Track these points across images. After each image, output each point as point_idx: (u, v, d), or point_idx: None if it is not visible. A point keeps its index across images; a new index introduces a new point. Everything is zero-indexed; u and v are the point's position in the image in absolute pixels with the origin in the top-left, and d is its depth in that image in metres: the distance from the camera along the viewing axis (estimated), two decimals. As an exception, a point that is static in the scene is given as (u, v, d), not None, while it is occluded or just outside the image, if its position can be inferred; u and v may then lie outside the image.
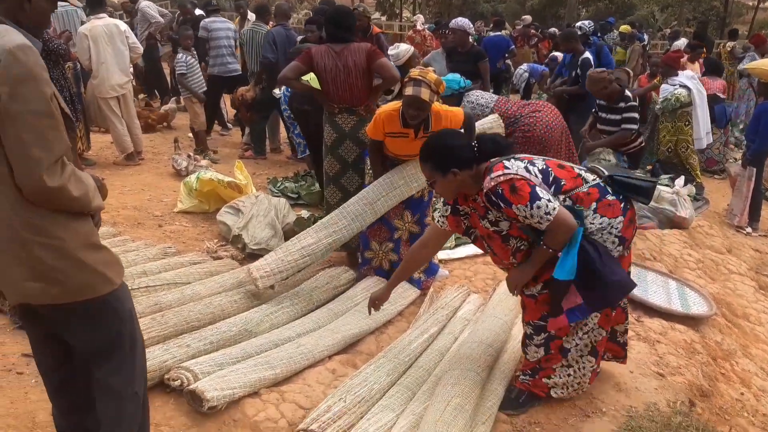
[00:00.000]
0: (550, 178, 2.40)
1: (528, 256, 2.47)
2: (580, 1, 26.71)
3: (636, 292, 3.72)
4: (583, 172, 2.50)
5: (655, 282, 4.08)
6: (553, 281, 2.39)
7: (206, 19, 7.49)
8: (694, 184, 6.17)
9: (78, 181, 1.60)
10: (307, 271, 3.66)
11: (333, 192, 4.03)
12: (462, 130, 3.68)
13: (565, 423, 2.62)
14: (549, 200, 2.29)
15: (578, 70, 6.26)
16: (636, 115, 5.29)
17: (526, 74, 9.24)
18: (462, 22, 6.57)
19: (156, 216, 4.77)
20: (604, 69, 5.72)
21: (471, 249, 4.21)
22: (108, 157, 6.48)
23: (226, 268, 3.72)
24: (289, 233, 4.15)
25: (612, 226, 2.41)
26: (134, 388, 1.87)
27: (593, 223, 2.40)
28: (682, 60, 7.46)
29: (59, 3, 1.83)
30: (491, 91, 6.67)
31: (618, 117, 5.32)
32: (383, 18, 25.03)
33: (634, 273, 3.47)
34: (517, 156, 2.45)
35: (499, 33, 9.34)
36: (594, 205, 2.40)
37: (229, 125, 8.24)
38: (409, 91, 3.21)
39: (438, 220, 2.69)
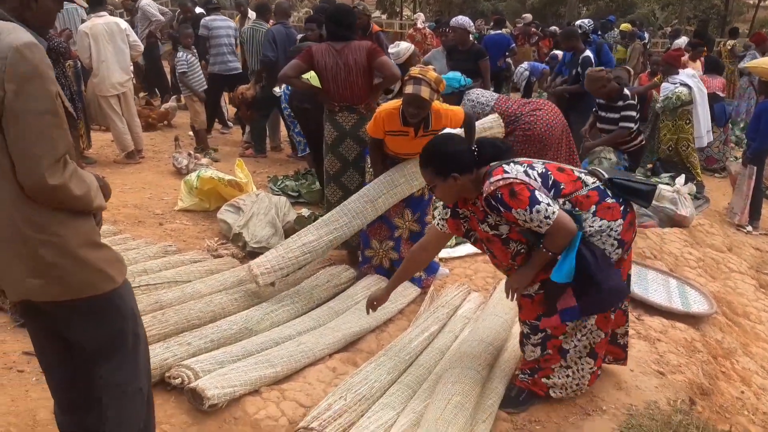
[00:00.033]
0: (550, 182, 2.40)
1: (528, 259, 2.48)
2: (581, -1, 26.69)
3: (636, 290, 3.73)
4: (583, 175, 2.50)
5: (655, 280, 4.08)
6: (550, 283, 2.39)
7: (207, 18, 7.48)
8: (695, 182, 6.16)
9: (80, 180, 1.61)
10: (307, 269, 3.66)
11: (333, 190, 4.03)
12: (462, 129, 3.69)
13: (566, 421, 2.63)
14: (549, 204, 2.29)
15: (579, 69, 6.26)
16: (634, 113, 5.28)
17: (527, 73, 9.24)
18: (462, 20, 6.57)
19: (156, 214, 4.77)
20: (603, 68, 5.71)
21: (471, 247, 4.19)
22: (108, 156, 6.48)
23: (226, 266, 3.72)
24: (289, 232, 4.15)
25: (611, 229, 2.41)
26: (138, 384, 1.87)
27: (592, 226, 2.40)
28: (683, 58, 7.46)
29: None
30: (492, 89, 6.67)
31: (617, 116, 5.31)
32: (384, 16, 25.01)
33: (635, 271, 3.48)
34: (517, 160, 2.45)
35: (499, 31, 9.35)
36: (593, 207, 2.40)
37: (230, 124, 8.25)
38: (409, 89, 3.20)
39: (438, 223, 2.69)
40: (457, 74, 5.29)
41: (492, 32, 9.50)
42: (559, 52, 8.36)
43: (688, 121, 6.35)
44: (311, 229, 3.47)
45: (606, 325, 2.62)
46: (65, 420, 1.98)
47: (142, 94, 9.23)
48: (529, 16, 13.00)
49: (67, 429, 1.99)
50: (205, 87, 6.93)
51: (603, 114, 5.46)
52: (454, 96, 5.03)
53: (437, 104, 3.41)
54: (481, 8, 26.12)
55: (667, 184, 5.48)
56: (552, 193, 2.38)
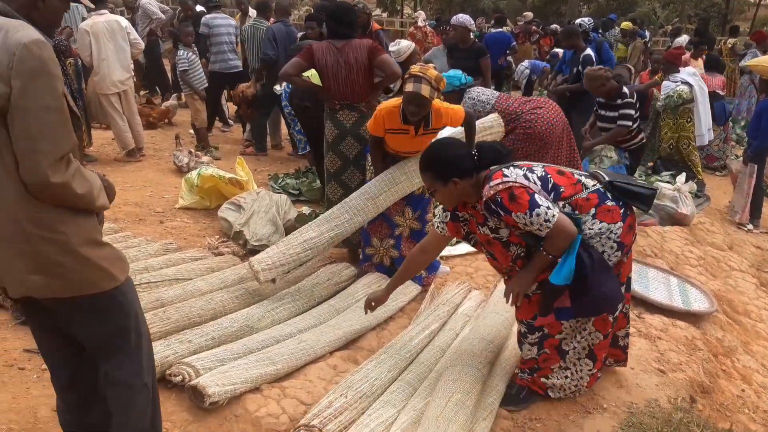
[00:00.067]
0: (549, 185, 2.39)
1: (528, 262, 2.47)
2: (582, -3, 26.66)
3: (637, 288, 3.73)
4: (583, 178, 2.49)
5: (656, 279, 4.08)
6: (549, 285, 2.39)
7: (207, 16, 7.47)
8: (696, 180, 6.16)
9: (82, 178, 1.61)
10: (308, 267, 3.67)
11: (334, 188, 4.03)
12: (462, 128, 3.69)
13: (566, 419, 2.63)
14: (548, 207, 2.28)
15: (580, 67, 6.25)
16: (632, 111, 5.27)
17: (528, 71, 9.23)
18: (463, 18, 6.56)
19: (157, 212, 4.77)
20: (602, 67, 5.70)
21: (472, 246, 4.21)
22: (109, 154, 6.49)
23: (227, 264, 3.72)
24: (290, 229, 4.15)
25: (611, 232, 2.41)
26: (143, 380, 1.88)
27: (592, 229, 2.39)
28: (685, 57, 7.45)
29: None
30: (492, 87, 6.66)
31: (615, 114, 5.31)
32: (384, 14, 24.98)
33: (635, 270, 3.48)
34: (516, 163, 2.45)
35: (500, 29, 9.32)
36: (593, 210, 2.40)
37: (230, 122, 8.25)
38: (409, 87, 3.20)
39: (438, 226, 2.69)
40: (458, 72, 5.28)
41: (493, 30, 9.47)
42: (559, 51, 8.36)
43: (689, 120, 6.34)
44: (312, 226, 3.46)
45: (605, 327, 2.61)
46: (69, 417, 1.98)
47: (142, 92, 9.24)
48: (530, 15, 13.00)
49: (71, 428, 1.99)
50: (206, 85, 6.92)
51: (603, 113, 5.46)
52: (455, 94, 5.02)
53: (438, 102, 3.40)
54: (481, 6, 26.10)
55: (668, 182, 5.48)
56: (552, 196, 2.38)
